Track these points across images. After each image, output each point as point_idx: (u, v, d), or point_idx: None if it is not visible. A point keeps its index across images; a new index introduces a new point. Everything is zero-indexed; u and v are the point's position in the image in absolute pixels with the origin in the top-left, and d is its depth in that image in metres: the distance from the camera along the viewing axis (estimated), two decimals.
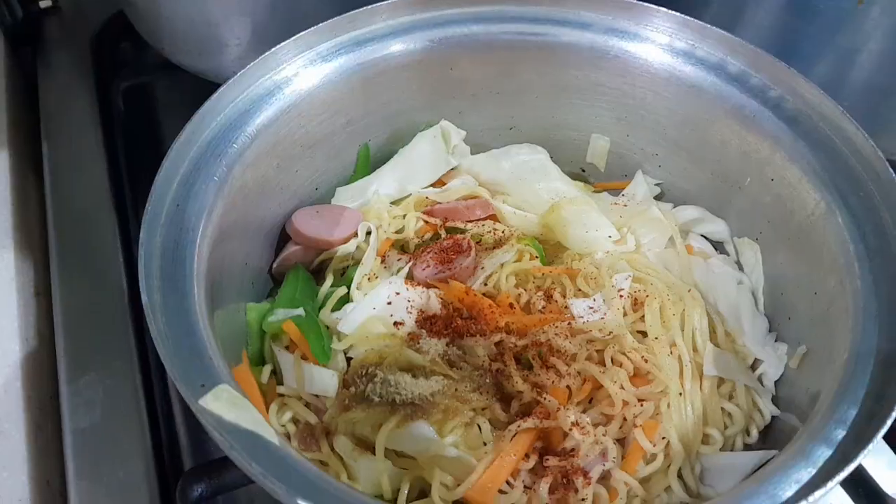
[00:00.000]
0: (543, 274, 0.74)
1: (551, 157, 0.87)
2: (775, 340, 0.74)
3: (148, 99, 1.17)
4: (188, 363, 0.52)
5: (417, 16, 0.76)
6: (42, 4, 1.24)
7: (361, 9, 0.74)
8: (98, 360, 0.83)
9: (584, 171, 0.90)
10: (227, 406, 0.50)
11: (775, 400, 0.71)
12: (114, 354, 0.83)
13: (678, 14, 0.76)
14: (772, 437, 0.69)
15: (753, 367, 0.73)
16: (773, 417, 0.70)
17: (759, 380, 0.72)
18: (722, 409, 0.68)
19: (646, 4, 0.78)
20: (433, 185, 0.84)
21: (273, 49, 0.71)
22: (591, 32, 0.79)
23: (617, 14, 0.79)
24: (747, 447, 0.69)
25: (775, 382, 0.72)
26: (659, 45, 0.78)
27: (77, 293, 0.89)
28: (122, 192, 1.01)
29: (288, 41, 0.72)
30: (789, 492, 0.48)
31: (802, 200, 0.69)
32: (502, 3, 0.79)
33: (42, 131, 1.08)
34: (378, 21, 0.75)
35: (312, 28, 0.72)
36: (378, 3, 0.74)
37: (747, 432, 0.69)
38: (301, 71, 0.73)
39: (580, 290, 0.73)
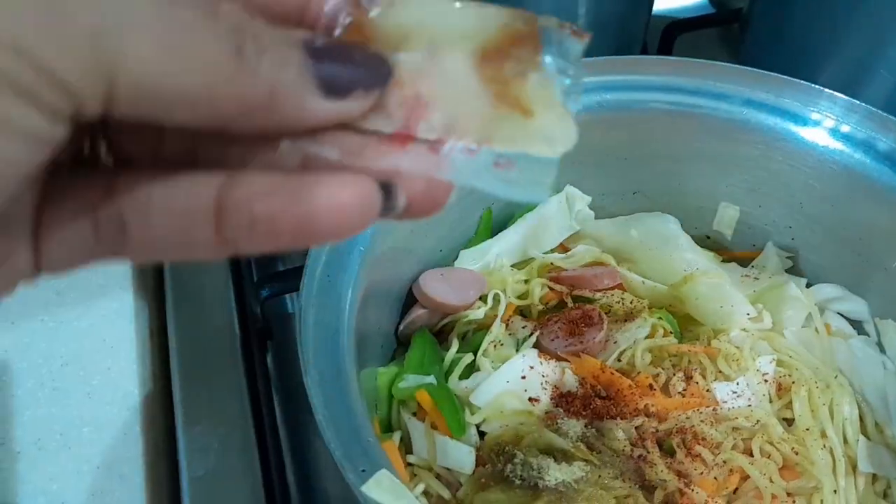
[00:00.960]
0: (680, 352, 0.72)
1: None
2: None
3: None
4: (349, 446, 0.51)
5: None
6: None
7: None
8: (212, 408, 0.84)
9: (709, 238, 0.88)
10: (389, 495, 0.49)
11: None
12: (227, 402, 0.84)
13: (823, 89, 0.74)
14: None
15: None
16: None
17: None
18: None
19: (786, 77, 0.76)
20: (555, 251, 0.83)
21: None
22: (727, 104, 0.78)
23: (755, 86, 0.77)
24: None
25: None
26: (802, 119, 0.75)
27: (192, 338, 0.91)
28: None
29: None
30: None
31: None
32: (635, 72, 0.78)
33: None
34: None
35: None
36: None
37: None
38: None
39: (720, 371, 0.71)
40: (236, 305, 0.93)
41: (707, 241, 0.88)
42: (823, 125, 0.74)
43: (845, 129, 0.73)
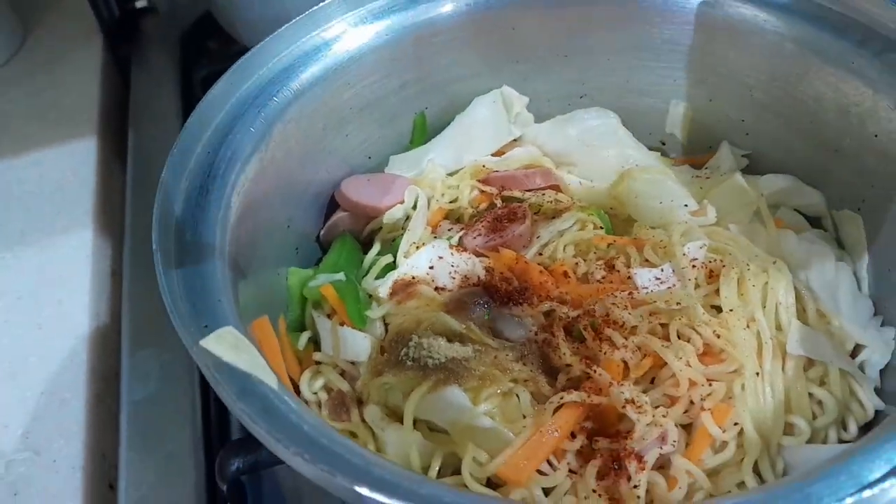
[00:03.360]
0: (608, 246, 0.67)
1: (627, 128, 0.80)
2: (881, 325, 0.63)
3: None
4: (196, 304, 0.48)
5: None
6: (138, 4, 1.30)
7: None
8: (157, 336, 0.83)
9: (664, 143, 0.82)
10: (228, 348, 0.46)
11: (880, 392, 0.60)
12: (172, 330, 0.83)
13: None
14: None
15: (854, 354, 0.62)
16: (878, 412, 0.59)
17: (861, 367, 0.61)
18: (810, 395, 0.58)
19: None
20: (493, 155, 0.79)
21: (321, 4, 0.68)
22: None
23: None
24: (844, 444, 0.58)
25: (881, 372, 0.61)
26: None
27: (146, 275, 0.90)
28: None
29: None
30: (877, 473, 0.39)
31: None
32: None
33: (129, 121, 1.12)
34: None
35: None
36: None
37: (844, 427, 0.59)
38: (350, 29, 0.70)
39: (647, 260, 0.65)
40: None
41: (662, 148, 0.82)
42: None
43: None
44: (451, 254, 0.66)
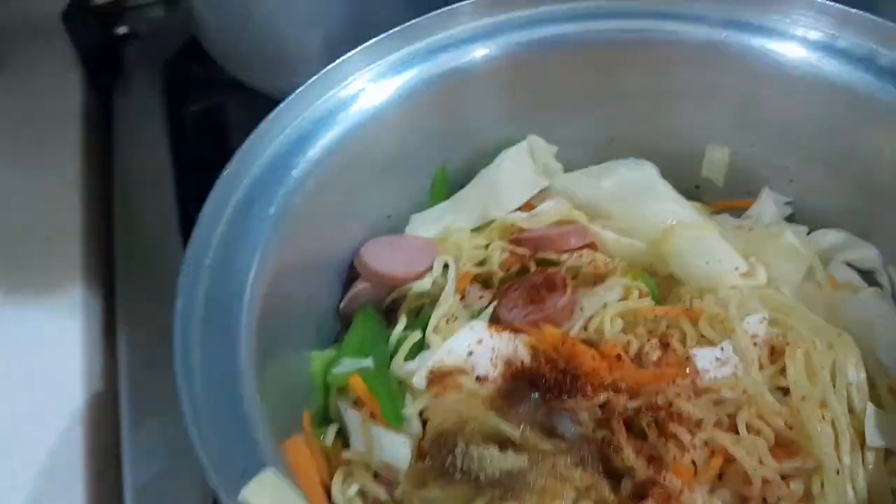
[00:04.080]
0: (657, 316, 0.62)
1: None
2: None
3: (220, 121, 1.12)
4: (229, 443, 0.43)
5: (502, 16, 0.66)
6: (120, 31, 1.22)
7: (438, 11, 0.65)
8: (160, 405, 0.77)
9: (698, 188, 0.77)
10: (272, 499, 0.40)
11: None
12: (176, 401, 0.77)
13: None
14: None
15: None
16: None
17: None
18: (892, 490, 0.54)
19: None
20: (520, 209, 0.74)
21: (337, 61, 0.62)
22: (705, 25, 0.67)
23: (736, 3, 0.67)
24: None
25: None
26: (790, 37, 0.65)
27: (143, 332, 0.85)
28: (191, 221, 0.96)
29: (354, 51, 0.63)
30: None
31: None
32: None
33: (114, 161, 1.05)
34: (457, 25, 0.66)
35: (383, 35, 0.63)
36: (458, 3, 0.64)
37: None
38: (369, 85, 0.64)
39: (703, 336, 0.60)
40: None
41: (696, 192, 0.77)
42: (811, 39, 0.63)
43: (842, 43, 0.62)
44: (491, 336, 0.60)
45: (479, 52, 0.67)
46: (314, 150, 0.60)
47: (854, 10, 0.61)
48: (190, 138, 1.09)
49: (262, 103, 0.96)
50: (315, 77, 0.61)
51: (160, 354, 0.80)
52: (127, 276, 0.91)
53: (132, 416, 0.78)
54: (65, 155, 1.03)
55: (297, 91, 0.60)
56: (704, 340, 0.60)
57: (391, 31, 0.64)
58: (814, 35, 0.64)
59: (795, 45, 0.64)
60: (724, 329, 0.60)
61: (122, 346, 0.84)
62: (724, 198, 0.77)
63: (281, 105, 0.60)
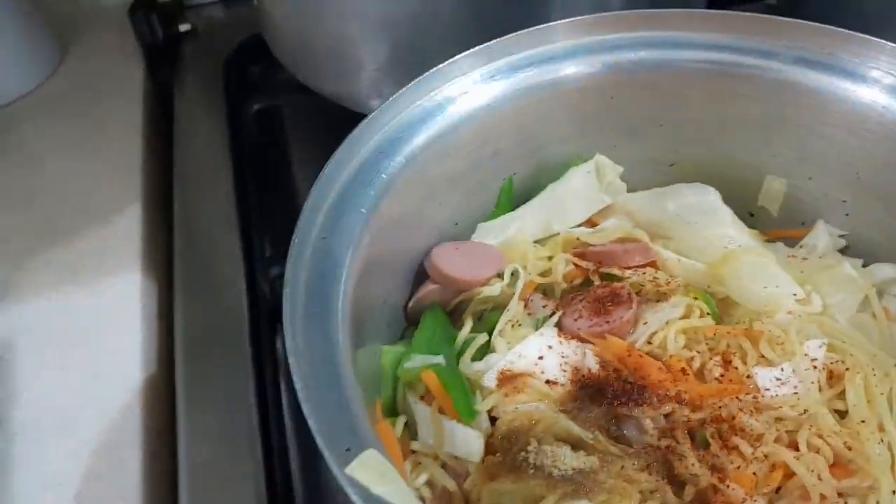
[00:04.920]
0: (718, 335, 0.65)
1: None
2: None
3: (278, 121, 1.15)
4: (334, 422, 0.45)
5: (586, 39, 0.69)
6: (182, 28, 1.25)
7: (536, 27, 0.68)
8: (215, 391, 0.79)
9: (752, 215, 0.80)
10: (375, 476, 0.43)
11: None
12: (231, 386, 0.79)
13: (884, 42, 0.66)
14: None
15: None
16: None
17: None
18: None
19: (841, 30, 0.68)
20: (583, 225, 0.77)
21: (427, 73, 0.65)
22: (776, 62, 0.70)
23: (807, 41, 0.70)
24: None
25: None
26: (859, 77, 0.67)
27: (199, 319, 0.87)
28: (247, 215, 0.98)
29: (443, 64, 0.66)
30: None
31: None
32: (681, 29, 0.70)
33: (174, 153, 1.08)
34: (549, 42, 0.69)
35: (473, 49, 0.66)
36: (557, 22, 0.68)
37: None
38: (458, 96, 0.67)
39: (763, 356, 0.63)
40: (246, 285, 0.89)
41: (750, 219, 0.80)
42: (885, 83, 0.66)
43: None
44: (561, 342, 0.63)
45: (560, 71, 0.70)
46: (401, 156, 0.63)
47: None
48: (248, 136, 1.13)
49: (320, 105, 1.01)
50: (408, 85, 0.64)
51: (214, 342, 0.84)
52: (185, 265, 0.93)
53: (187, 400, 0.80)
54: (126, 143, 1.06)
55: (393, 97, 0.63)
56: (764, 361, 0.63)
57: (480, 47, 0.67)
58: (882, 76, 0.66)
59: (864, 85, 0.67)
60: (783, 351, 0.63)
61: (178, 331, 0.87)
62: (777, 227, 0.79)
63: (380, 108, 0.63)
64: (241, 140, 1.09)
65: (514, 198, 0.78)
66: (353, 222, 0.58)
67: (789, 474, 0.56)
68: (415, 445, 0.62)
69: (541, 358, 0.62)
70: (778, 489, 0.57)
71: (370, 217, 0.59)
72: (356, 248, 0.57)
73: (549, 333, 0.63)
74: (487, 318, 0.69)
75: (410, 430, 0.63)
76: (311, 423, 0.44)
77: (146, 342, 0.86)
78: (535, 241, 0.76)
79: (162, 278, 0.95)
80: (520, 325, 0.68)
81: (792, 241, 0.77)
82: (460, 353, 0.66)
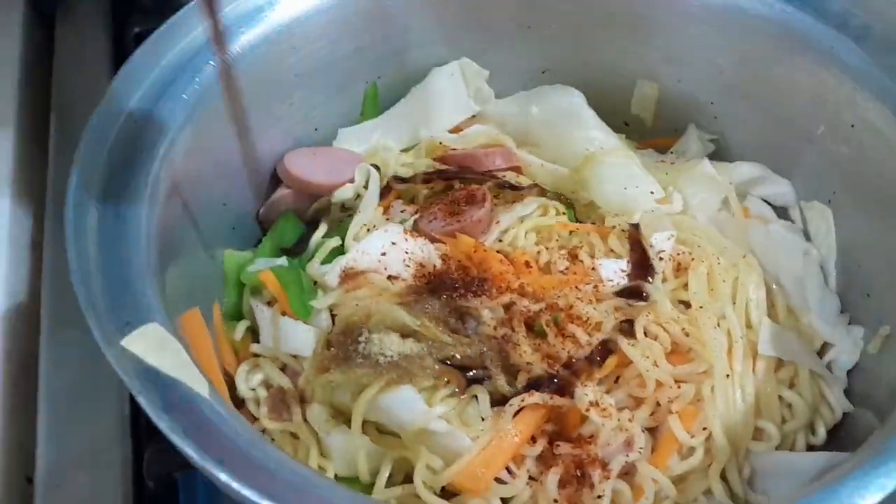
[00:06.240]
0: (571, 232, 0.63)
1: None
2: (849, 323, 0.61)
3: None
4: (115, 296, 0.42)
5: None
6: None
7: None
8: (81, 317, 0.76)
9: (627, 124, 0.78)
10: (152, 348, 0.40)
11: (848, 393, 0.59)
12: None
13: None
14: (842, 438, 0.57)
15: (822, 353, 0.60)
16: (845, 414, 0.58)
17: (829, 367, 0.59)
18: (780, 398, 0.56)
19: None
20: (450, 132, 0.74)
21: None
22: None
23: None
24: (811, 448, 0.56)
25: (848, 372, 0.59)
26: None
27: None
28: None
29: None
30: (870, 500, 0.36)
31: (892, 148, 0.56)
32: None
33: (53, 80, 1.03)
34: None
35: None
36: None
37: (812, 430, 0.57)
38: None
39: (612, 250, 0.62)
40: None
41: (626, 129, 0.78)
42: None
43: None
44: (406, 239, 0.61)
45: None
46: (235, 45, 0.60)
47: None
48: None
49: None
50: None
51: None
52: (58, 194, 0.89)
53: (51, 325, 0.76)
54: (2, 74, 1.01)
55: None
56: (613, 255, 0.61)
57: None
58: None
59: None
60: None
61: (47, 258, 0.83)
62: (651, 136, 0.78)
63: None
64: (122, 62, 1.04)
65: (382, 104, 0.75)
66: (173, 109, 0.54)
67: (627, 362, 0.55)
68: (254, 348, 0.59)
69: (384, 254, 0.60)
70: (617, 379, 0.56)
71: (195, 107, 0.56)
72: (175, 136, 0.54)
73: (393, 230, 0.61)
74: (345, 224, 0.67)
75: (256, 337, 0.61)
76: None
77: (13, 269, 0.83)
78: (403, 150, 0.73)
79: (37, 209, 0.91)
80: (376, 228, 0.65)
81: (665, 150, 0.76)
82: (311, 257, 0.64)
